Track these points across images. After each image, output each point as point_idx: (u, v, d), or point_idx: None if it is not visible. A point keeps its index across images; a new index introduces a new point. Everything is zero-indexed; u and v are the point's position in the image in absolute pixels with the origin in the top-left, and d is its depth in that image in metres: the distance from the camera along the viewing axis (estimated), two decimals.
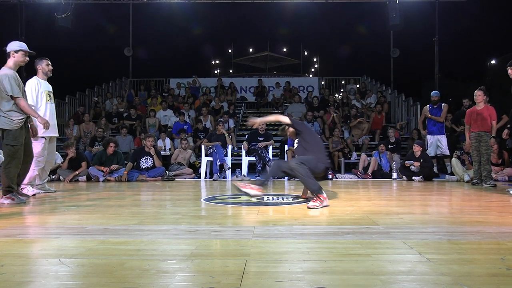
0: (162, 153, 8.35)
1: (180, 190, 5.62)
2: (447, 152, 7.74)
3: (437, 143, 7.79)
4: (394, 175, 7.41)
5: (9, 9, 11.99)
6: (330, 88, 14.55)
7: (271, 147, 7.85)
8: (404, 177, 7.19)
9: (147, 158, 7.33)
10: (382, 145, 8.12)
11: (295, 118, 10.46)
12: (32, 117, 4.18)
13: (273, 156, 7.88)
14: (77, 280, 1.57)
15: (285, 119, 4.13)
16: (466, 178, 6.63)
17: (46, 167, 5.00)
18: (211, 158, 7.63)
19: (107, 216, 3.12)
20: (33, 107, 4.35)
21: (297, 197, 4.32)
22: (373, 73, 14.95)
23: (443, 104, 7.91)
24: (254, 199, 3.93)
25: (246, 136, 8.55)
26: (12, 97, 3.90)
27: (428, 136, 7.90)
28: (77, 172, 7.02)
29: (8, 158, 3.92)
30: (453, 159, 7.08)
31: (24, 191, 4.45)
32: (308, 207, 3.49)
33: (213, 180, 7.29)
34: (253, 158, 7.74)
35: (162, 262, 1.78)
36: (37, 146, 4.50)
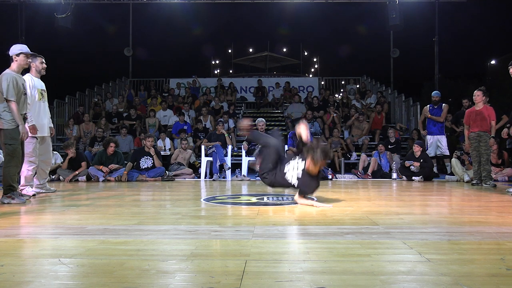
0: (162, 153, 8.35)
1: (180, 190, 5.62)
2: (447, 152, 7.75)
3: (437, 143, 7.80)
4: (394, 175, 7.41)
5: (9, 9, 12.00)
6: (330, 88, 14.55)
7: None
8: (404, 177, 7.20)
9: (147, 158, 7.34)
10: (381, 145, 8.13)
11: (295, 118, 10.46)
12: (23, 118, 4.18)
13: None
14: (77, 280, 1.57)
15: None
16: (466, 178, 6.64)
17: (45, 167, 4.99)
18: (211, 158, 7.63)
19: (107, 216, 3.12)
20: (29, 106, 4.37)
21: None
22: (373, 73, 15.01)
23: (443, 104, 7.92)
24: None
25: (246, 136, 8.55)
26: (6, 99, 3.94)
27: (428, 136, 7.91)
28: (77, 172, 7.03)
29: (8, 157, 3.98)
30: (453, 159, 7.09)
31: (24, 192, 4.46)
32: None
33: (213, 180, 7.29)
34: (253, 158, 7.72)
35: (162, 262, 1.78)
36: (27, 146, 4.50)
